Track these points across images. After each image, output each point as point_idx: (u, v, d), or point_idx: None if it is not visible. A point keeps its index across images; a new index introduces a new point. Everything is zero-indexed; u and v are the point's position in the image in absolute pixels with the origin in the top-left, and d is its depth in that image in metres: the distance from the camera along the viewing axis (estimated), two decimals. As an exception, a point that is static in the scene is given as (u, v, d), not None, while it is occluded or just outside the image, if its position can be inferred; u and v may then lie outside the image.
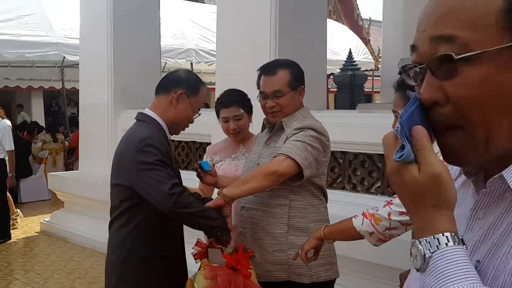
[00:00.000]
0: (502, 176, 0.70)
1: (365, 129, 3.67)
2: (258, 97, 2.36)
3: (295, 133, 2.21)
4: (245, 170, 2.45)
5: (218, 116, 2.80)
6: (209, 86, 4.87)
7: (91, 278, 4.74)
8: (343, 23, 17.41)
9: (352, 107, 8.69)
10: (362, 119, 3.88)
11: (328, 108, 15.42)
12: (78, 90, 6.75)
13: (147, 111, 2.29)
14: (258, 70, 2.39)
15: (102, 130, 5.93)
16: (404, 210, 1.84)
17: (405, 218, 1.87)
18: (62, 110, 14.55)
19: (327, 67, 10.54)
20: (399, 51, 6.27)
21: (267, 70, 2.34)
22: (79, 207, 6.13)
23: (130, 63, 5.91)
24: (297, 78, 2.33)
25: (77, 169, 7.48)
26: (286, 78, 2.28)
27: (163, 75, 8.53)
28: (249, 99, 2.78)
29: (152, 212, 2.13)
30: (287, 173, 2.11)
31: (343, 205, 3.56)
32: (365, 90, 11.77)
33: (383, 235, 1.92)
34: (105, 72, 5.91)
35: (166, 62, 9.21)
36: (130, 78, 5.90)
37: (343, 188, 3.91)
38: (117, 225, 2.23)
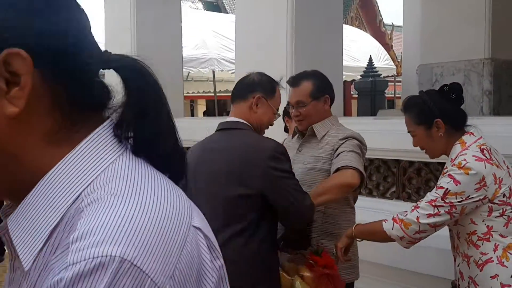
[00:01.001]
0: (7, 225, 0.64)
1: (381, 135, 3.74)
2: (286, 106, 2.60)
3: (342, 143, 2.34)
4: None
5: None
6: (230, 94, 5.04)
7: None
8: (365, 30, 17.44)
9: (373, 113, 8.72)
10: (378, 125, 3.96)
11: (351, 114, 15.46)
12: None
13: (237, 119, 2.22)
14: (286, 81, 2.56)
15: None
16: (431, 212, 1.95)
17: (434, 219, 1.96)
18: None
19: (349, 73, 10.64)
20: (418, 57, 6.32)
21: (291, 81, 2.53)
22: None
23: (153, 71, 6.10)
24: (320, 89, 2.49)
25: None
26: (308, 89, 2.46)
27: (186, 84, 8.70)
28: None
29: (274, 222, 2.12)
30: (357, 184, 2.24)
31: (360, 209, 3.64)
32: (387, 95, 11.77)
33: (413, 238, 2.01)
34: (129, 83, 6.12)
35: (189, 72, 9.39)
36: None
37: (359, 193, 3.98)
38: (244, 237, 2.05)
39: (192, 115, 17.66)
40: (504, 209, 1.97)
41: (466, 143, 2.05)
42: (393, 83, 14.00)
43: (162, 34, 6.21)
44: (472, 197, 1.93)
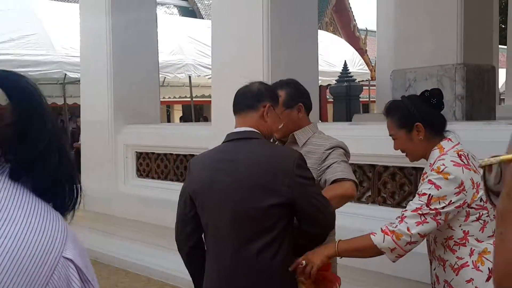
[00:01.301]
0: None
1: (356, 141, 3.77)
2: None
3: (330, 153, 2.37)
4: None
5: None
6: (208, 99, 5.06)
7: None
8: (340, 35, 17.63)
9: (349, 117, 8.83)
10: (354, 131, 4.01)
11: (327, 118, 15.59)
12: (79, 105, 6.91)
13: (250, 129, 2.17)
14: None
15: (103, 146, 6.07)
16: (419, 220, 1.97)
17: (423, 228, 1.98)
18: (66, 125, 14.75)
19: (324, 78, 10.75)
20: (391, 61, 6.42)
21: None
22: (80, 220, 6.25)
23: (129, 79, 6.06)
24: (293, 97, 2.49)
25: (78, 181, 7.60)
26: (281, 99, 2.44)
27: (162, 89, 8.63)
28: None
29: (293, 230, 2.08)
30: (355, 195, 2.30)
31: (336, 214, 3.67)
32: (362, 100, 11.94)
33: (404, 249, 2.01)
34: (105, 89, 6.06)
35: (165, 77, 9.38)
36: (130, 94, 6.05)
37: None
38: (274, 248, 1.99)
39: (169, 120, 17.58)
40: (481, 214, 2.01)
41: (444, 148, 2.09)
42: (367, 87, 14.19)
43: (138, 40, 6.18)
44: (454, 202, 1.97)
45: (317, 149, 2.43)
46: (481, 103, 5.26)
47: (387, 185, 3.69)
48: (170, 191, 5.30)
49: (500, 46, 10.74)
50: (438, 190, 1.97)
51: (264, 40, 4.22)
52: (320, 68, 10.29)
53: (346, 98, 9.35)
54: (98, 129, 6.15)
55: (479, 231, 2.00)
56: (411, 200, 2.13)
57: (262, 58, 4.22)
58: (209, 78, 9.31)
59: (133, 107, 6.05)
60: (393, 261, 2.07)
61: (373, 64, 15.56)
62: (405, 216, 2.00)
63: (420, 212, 1.97)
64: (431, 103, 2.14)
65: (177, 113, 18.82)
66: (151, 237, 5.14)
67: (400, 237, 1.98)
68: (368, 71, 12.31)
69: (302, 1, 4.52)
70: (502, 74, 10.20)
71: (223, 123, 4.53)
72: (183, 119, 14.08)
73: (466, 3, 4.95)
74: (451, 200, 1.96)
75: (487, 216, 2.02)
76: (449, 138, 2.13)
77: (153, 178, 5.73)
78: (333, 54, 11.01)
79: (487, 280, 1.96)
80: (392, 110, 2.20)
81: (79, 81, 7.33)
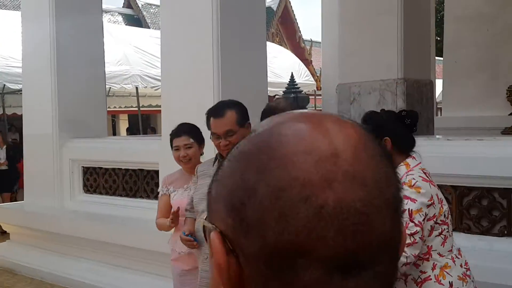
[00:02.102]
0: None
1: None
2: (211, 137, 2.61)
3: None
4: (197, 202, 2.68)
5: (172, 147, 3.05)
6: (155, 109, 5.02)
7: (39, 311, 4.70)
8: (286, 45, 17.91)
9: (296, 128, 8.97)
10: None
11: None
12: (20, 115, 6.67)
13: None
14: (206, 113, 2.65)
15: (48, 161, 5.90)
16: (410, 241, 2.01)
17: (414, 249, 2.03)
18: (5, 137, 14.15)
19: (272, 89, 10.88)
20: (336, 73, 6.61)
21: (215, 113, 2.60)
22: (25, 238, 6.05)
23: (74, 91, 5.93)
24: (243, 116, 2.62)
25: (21, 198, 7.36)
26: (234, 118, 2.56)
27: (108, 99, 8.43)
28: (200, 131, 2.99)
29: None
30: None
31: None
32: (309, 109, 12.21)
33: (401, 271, 2.03)
34: (49, 101, 5.90)
35: (110, 87, 9.23)
36: (75, 106, 5.92)
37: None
38: None
39: (114, 130, 17.23)
40: (443, 229, 2.12)
41: (410, 165, 2.19)
42: (313, 97, 14.48)
43: (83, 49, 6.05)
44: (428, 215, 2.08)
45: None
46: (420, 115, 5.50)
47: None
48: (119, 207, 5.24)
49: (436, 57, 11.26)
50: (415, 203, 2.05)
51: (214, 51, 4.25)
52: (268, 79, 10.45)
53: (294, 110, 9.54)
54: (42, 143, 5.98)
55: (441, 245, 2.11)
56: None
57: (212, 69, 4.24)
58: (156, 90, 9.24)
59: (79, 120, 5.92)
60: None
61: (318, 75, 15.90)
62: None
63: (409, 232, 2.01)
64: (405, 122, 2.25)
65: (123, 123, 18.47)
66: (100, 254, 5.03)
67: None
68: (314, 82, 12.57)
69: (250, 13, 4.60)
70: (438, 85, 10.69)
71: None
72: (130, 130, 13.84)
73: (405, 20, 5.19)
74: (426, 213, 2.06)
75: (447, 232, 2.14)
76: (413, 156, 2.24)
77: (101, 193, 5.63)
78: (280, 65, 11.19)
79: None
80: (367, 121, 2.31)
81: (20, 91, 7.10)
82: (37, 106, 6.09)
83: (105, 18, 17.33)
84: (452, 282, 2.08)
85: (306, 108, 10.78)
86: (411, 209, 2.04)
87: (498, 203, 3.08)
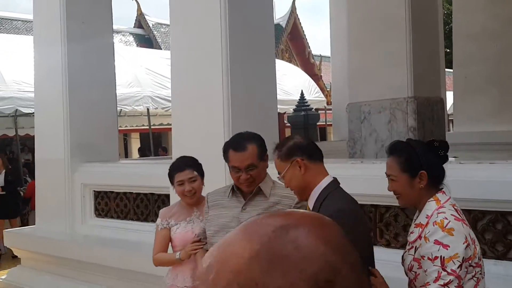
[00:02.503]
0: None
1: (355, 180, 3.68)
2: (230, 170, 2.58)
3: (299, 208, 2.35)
4: (212, 234, 2.61)
5: (172, 183, 3.00)
6: (166, 127, 5.05)
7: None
8: (295, 61, 18.00)
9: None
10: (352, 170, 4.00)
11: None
12: (33, 136, 6.71)
13: None
14: (224, 146, 2.62)
15: (59, 185, 5.93)
16: (441, 282, 1.89)
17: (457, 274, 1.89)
18: (16, 157, 14.29)
19: (282, 106, 10.89)
20: (345, 87, 6.60)
21: (236, 146, 2.56)
22: (36, 263, 6.06)
23: (86, 115, 5.97)
24: (263, 149, 2.60)
25: (33, 220, 7.40)
26: (255, 152, 2.54)
27: (119, 119, 8.45)
28: (200, 164, 2.99)
29: None
30: None
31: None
32: (319, 123, 12.22)
33: None
34: (61, 125, 5.94)
35: (121, 109, 9.30)
36: (87, 130, 5.96)
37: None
38: None
39: (126, 150, 17.34)
40: (476, 271, 1.99)
41: (440, 201, 2.07)
42: (324, 111, 14.51)
43: (95, 72, 6.10)
44: (465, 258, 1.93)
45: (286, 201, 2.54)
46: (432, 133, 5.47)
47: (389, 226, 3.61)
48: (130, 231, 5.24)
49: (446, 69, 11.22)
50: (447, 250, 1.91)
51: (224, 71, 4.26)
52: (278, 96, 10.49)
53: (304, 127, 9.56)
54: (54, 168, 6.02)
55: None
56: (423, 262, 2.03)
57: (222, 89, 4.25)
58: (166, 111, 9.30)
59: (90, 144, 5.95)
60: None
61: (328, 89, 15.91)
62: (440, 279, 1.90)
63: (442, 283, 1.89)
64: (438, 153, 2.12)
65: (135, 141, 18.57)
66: (113, 280, 5.02)
67: None
68: (324, 99, 12.60)
69: (260, 31, 4.61)
70: (449, 97, 10.65)
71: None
72: (141, 150, 13.90)
73: (413, 37, 5.18)
74: (463, 257, 1.92)
75: (480, 274, 2.01)
76: (443, 191, 2.12)
77: (112, 217, 5.64)
78: (289, 82, 11.23)
79: None
80: (398, 151, 2.15)
81: (31, 113, 7.16)
82: (49, 130, 6.14)
83: (116, 38, 17.55)
84: None
85: (317, 125, 10.80)
86: (443, 257, 1.91)
87: (513, 227, 3.03)
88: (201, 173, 3.03)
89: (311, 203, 2.26)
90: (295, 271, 0.57)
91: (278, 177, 2.30)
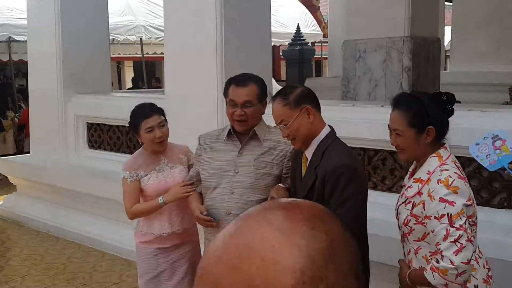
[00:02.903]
0: None
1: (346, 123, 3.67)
2: (226, 105, 2.58)
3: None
4: (207, 177, 2.61)
5: (137, 131, 2.84)
6: (160, 55, 4.98)
7: (46, 264, 4.85)
8: (293, -9, 17.48)
9: (301, 80, 8.92)
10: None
11: (281, 78, 15.65)
12: (26, 61, 6.61)
13: None
14: (227, 81, 2.62)
15: (53, 115, 5.93)
16: (457, 248, 1.89)
17: (464, 255, 1.89)
18: (10, 81, 14.13)
19: (277, 40, 10.71)
20: (343, 21, 6.48)
21: (238, 81, 2.56)
22: (31, 191, 6.17)
23: (79, 45, 5.87)
24: (264, 93, 2.60)
25: (28, 147, 7.46)
26: (255, 91, 2.54)
27: (112, 47, 8.26)
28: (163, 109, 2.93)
29: None
30: None
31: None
32: (315, 56, 12.04)
33: (457, 282, 1.91)
34: (53, 56, 5.86)
35: (114, 38, 9.12)
36: (80, 61, 5.88)
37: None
38: None
39: (119, 79, 17.14)
40: (473, 229, 1.98)
41: (442, 157, 2.04)
42: (320, 44, 14.29)
43: (87, 0, 5.95)
44: (469, 215, 1.93)
45: (281, 146, 2.57)
46: (426, 74, 5.45)
47: (377, 170, 3.66)
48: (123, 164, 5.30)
49: (446, 3, 10.94)
50: (453, 206, 1.91)
51: (217, 5, 4.15)
52: (273, 29, 10.28)
53: (299, 62, 9.44)
54: (47, 98, 5.99)
55: (472, 247, 1.95)
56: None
57: (215, 20, 4.15)
58: (160, 40, 9.12)
59: (83, 75, 5.90)
60: None
61: (325, 21, 15.56)
62: (442, 250, 1.91)
63: (452, 239, 1.89)
64: (446, 108, 2.06)
65: (128, 69, 18.33)
66: (103, 210, 5.15)
67: (446, 272, 1.90)
68: (321, 32, 12.34)
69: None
70: (447, 33, 10.47)
71: (177, 96, 4.52)
72: (135, 81, 13.75)
73: (413, -25, 5.04)
74: (467, 213, 1.92)
75: (475, 232, 2.02)
76: (445, 147, 2.08)
77: (105, 149, 5.69)
78: (285, 14, 10.96)
79: None
80: (405, 105, 2.07)
81: (25, 40, 7.02)
82: (42, 60, 6.05)
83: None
84: (477, 285, 2.01)
85: (312, 60, 10.68)
86: (451, 214, 1.90)
87: (498, 174, 3.09)
88: (165, 118, 2.90)
89: (309, 153, 2.27)
90: (346, 263, 0.57)
91: (279, 126, 2.27)
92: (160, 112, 2.87)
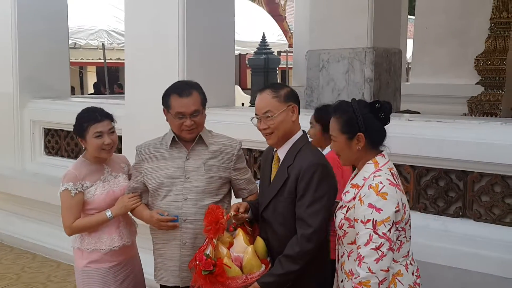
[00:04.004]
0: None
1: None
2: (172, 116, 2.51)
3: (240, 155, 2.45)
4: (155, 187, 2.55)
5: (82, 136, 2.69)
6: (123, 61, 4.87)
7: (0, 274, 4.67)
8: (260, 1, 17.56)
9: (266, 89, 8.91)
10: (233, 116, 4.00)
11: (247, 85, 15.67)
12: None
13: None
14: (166, 91, 2.56)
15: (8, 120, 5.73)
16: (378, 256, 1.92)
17: (383, 263, 1.93)
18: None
19: (243, 48, 10.72)
20: (307, 30, 6.50)
21: (181, 92, 2.52)
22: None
23: (36, 48, 5.69)
24: (205, 97, 2.61)
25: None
26: (199, 98, 2.55)
27: (74, 51, 8.09)
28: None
29: None
30: None
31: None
32: (281, 66, 12.12)
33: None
34: (9, 58, 5.67)
35: (75, 43, 8.93)
36: (37, 64, 5.71)
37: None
38: None
39: (82, 83, 16.84)
40: (400, 234, 2.04)
41: (379, 164, 2.09)
42: (285, 54, 14.39)
43: (45, 2, 5.78)
44: (394, 221, 1.98)
45: (227, 149, 2.61)
46: (388, 85, 5.52)
47: None
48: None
49: (409, 16, 11.19)
50: (380, 213, 1.96)
51: (180, 11, 4.09)
52: (240, 37, 10.29)
53: (264, 71, 9.46)
54: (2, 102, 5.79)
55: (396, 251, 2.03)
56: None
57: (178, 26, 4.09)
58: (122, 46, 8.97)
59: (41, 79, 5.73)
60: None
61: (291, 31, 15.68)
62: (363, 256, 1.96)
63: (374, 246, 1.94)
64: (379, 116, 2.11)
65: (91, 75, 18.02)
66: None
67: (368, 283, 1.94)
68: (286, 42, 12.41)
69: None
70: (410, 45, 10.70)
71: (137, 102, 4.43)
72: (97, 86, 13.50)
73: (377, -13, 5.12)
74: (393, 220, 1.97)
75: (403, 237, 2.07)
76: (382, 154, 2.14)
77: (62, 156, 5.52)
78: (252, 22, 10.97)
79: None
80: (339, 112, 2.15)
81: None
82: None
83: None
84: None
85: (276, 69, 10.70)
86: (376, 220, 1.96)
87: (454, 184, 3.13)
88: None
89: (282, 153, 2.34)
90: None
91: (259, 116, 2.30)
92: (110, 118, 2.73)
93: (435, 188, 3.20)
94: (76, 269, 2.80)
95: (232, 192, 2.70)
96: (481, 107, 7.20)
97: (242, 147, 2.70)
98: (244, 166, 2.67)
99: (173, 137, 2.57)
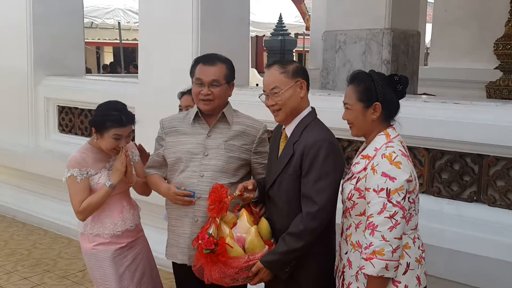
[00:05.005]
0: None
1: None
2: (192, 84, 2.51)
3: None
4: (174, 161, 2.53)
5: (101, 131, 2.63)
6: (136, 42, 4.84)
7: (10, 250, 4.71)
8: (277, -18, 17.36)
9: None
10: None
11: (262, 68, 15.57)
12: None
13: None
14: (194, 60, 2.55)
15: (22, 98, 5.75)
16: (391, 224, 1.91)
17: (397, 231, 1.92)
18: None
19: (259, 30, 10.63)
20: (325, 12, 6.40)
21: (206, 60, 2.51)
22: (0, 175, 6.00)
23: (51, 26, 5.69)
24: (232, 74, 2.55)
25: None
26: (223, 71, 2.50)
27: (91, 31, 8.20)
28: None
29: None
30: None
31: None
32: (298, 49, 12.02)
33: (395, 259, 1.93)
34: (23, 36, 5.68)
35: (92, 22, 8.93)
36: (51, 42, 5.71)
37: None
38: None
39: (98, 64, 16.89)
40: (410, 207, 2.02)
41: (390, 135, 2.09)
42: (302, 37, 14.23)
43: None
44: (408, 190, 1.97)
45: (251, 131, 2.55)
46: (405, 67, 5.41)
47: (350, 160, 3.58)
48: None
49: (429, 0, 10.97)
50: (394, 182, 1.95)
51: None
52: (257, 18, 10.19)
53: (280, 52, 9.36)
54: (17, 79, 5.81)
55: (405, 223, 2.00)
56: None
57: (192, 4, 4.04)
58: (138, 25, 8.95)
59: (55, 57, 5.73)
60: (395, 276, 1.98)
61: (309, 14, 15.49)
62: (376, 225, 1.93)
63: (388, 215, 1.92)
64: (396, 88, 2.12)
65: (108, 55, 18.09)
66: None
67: (382, 252, 1.92)
68: (304, 24, 12.27)
69: None
70: (429, 30, 10.50)
71: (151, 81, 4.41)
72: (112, 66, 13.50)
73: (396, -33, 5.00)
74: (407, 189, 1.97)
75: (413, 210, 2.06)
76: (393, 127, 2.14)
77: (76, 134, 5.54)
78: (269, 4, 10.86)
79: (404, 273, 2.00)
80: (358, 81, 2.14)
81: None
82: (12, 39, 5.85)
83: None
84: (409, 263, 2.02)
85: (293, 51, 10.60)
86: (389, 189, 1.95)
87: (469, 168, 3.05)
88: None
89: (289, 129, 2.29)
90: None
91: (267, 93, 2.26)
92: (133, 122, 2.70)
93: (450, 172, 3.13)
94: (85, 253, 2.79)
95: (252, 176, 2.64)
96: (499, 93, 7.03)
97: None
98: (266, 150, 2.56)
99: (197, 112, 2.54)
